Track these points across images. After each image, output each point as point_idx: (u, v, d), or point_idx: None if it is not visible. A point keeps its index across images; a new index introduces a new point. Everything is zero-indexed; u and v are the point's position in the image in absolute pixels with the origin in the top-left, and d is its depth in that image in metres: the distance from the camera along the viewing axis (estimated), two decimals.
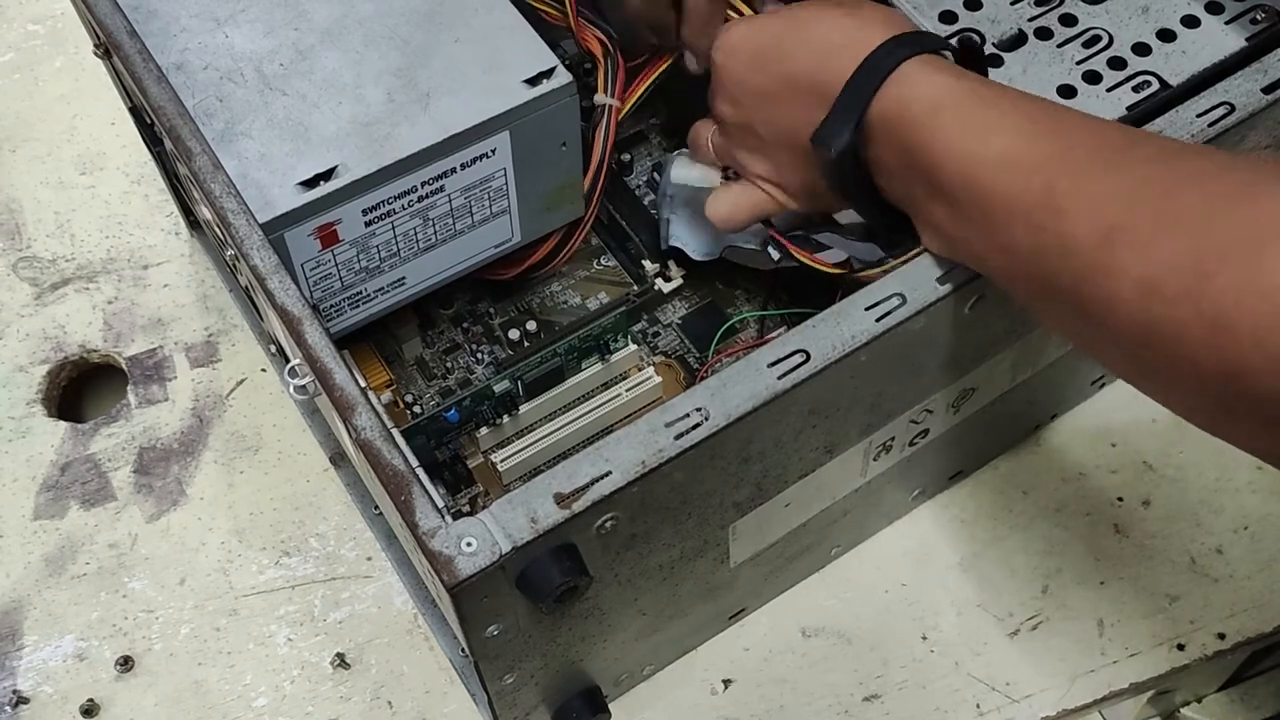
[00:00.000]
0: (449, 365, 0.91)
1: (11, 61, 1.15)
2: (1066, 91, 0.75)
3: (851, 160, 0.69)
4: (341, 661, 0.86)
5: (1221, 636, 0.86)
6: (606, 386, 0.89)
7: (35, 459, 0.94)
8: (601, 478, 0.61)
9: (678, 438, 0.63)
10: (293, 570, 0.89)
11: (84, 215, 1.05)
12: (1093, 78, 0.76)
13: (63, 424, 0.96)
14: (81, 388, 1.01)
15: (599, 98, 0.85)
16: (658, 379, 0.88)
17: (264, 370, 0.97)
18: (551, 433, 0.86)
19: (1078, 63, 0.77)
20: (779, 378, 0.65)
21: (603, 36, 0.85)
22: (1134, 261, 0.55)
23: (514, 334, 0.90)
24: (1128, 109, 0.75)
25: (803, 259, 0.79)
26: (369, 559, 0.90)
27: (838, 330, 0.66)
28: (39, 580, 0.89)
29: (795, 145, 0.73)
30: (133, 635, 0.87)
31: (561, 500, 0.61)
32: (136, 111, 0.88)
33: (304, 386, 0.66)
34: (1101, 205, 0.57)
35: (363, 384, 0.64)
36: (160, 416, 0.96)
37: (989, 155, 0.62)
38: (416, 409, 0.88)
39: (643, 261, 0.94)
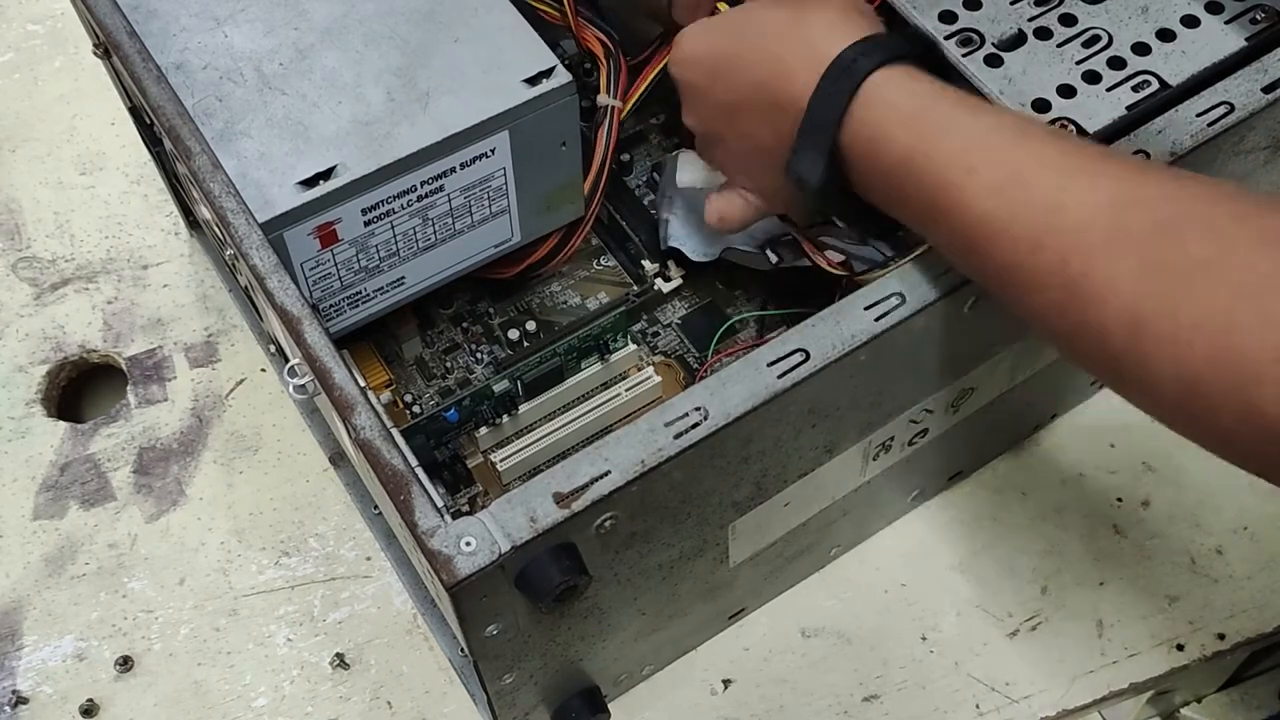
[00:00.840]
0: (448, 365, 0.91)
1: (11, 61, 1.15)
2: (1066, 91, 0.75)
3: (833, 187, 0.68)
4: (341, 662, 0.86)
5: (1221, 637, 0.86)
6: (606, 386, 0.89)
7: (35, 459, 0.94)
8: (601, 477, 0.62)
9: (677, 437, 0.63)
10: (292, 570, 0.89)
11: (83, 215, 1.05)
12: (1092, 77, 0.76)
13: (62, 424, 0.96)
14: (81, 388, 1.01)
15: (601, 98, 0.85)
16: (657, 379, 0.88)
17: (263, 370, 0.97)
18: (551, 432, 0.86)
19: (1077, 62, 0.77)
20: (778, 377, 0.65)
21: (604, 37, 0.85)
22: (1168, 357, 0.53)
23: (514, 334, 0.90)
24: (1127, 108, 0.75)
25: (810, 253, 0.79)
26: (368, 559, 0.89)
27: (837, 330, 0.66)
28: (38, 580, 0.89)
29: (767, 157, 0.72)
30: (132, 635, 0.87)
31: (561, 500, 0.61)
32: (136, 111, 0.88)
33: (303, 386, 0.66)
34: (1121, 291, 0.55)
35: (362, 384, 0.64)
36: (160, 416, 0.96)
37: (977, 218, 0.60)
38: (416, 409, 0.88)
39: (642, 261, 0.94)
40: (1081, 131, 0.74)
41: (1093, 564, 0.89)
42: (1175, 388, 0.54)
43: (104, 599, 0.88)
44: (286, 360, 0.68)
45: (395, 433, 0.63)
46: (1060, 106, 0.75)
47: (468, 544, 0.59)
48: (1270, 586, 0.88)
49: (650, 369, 0.89)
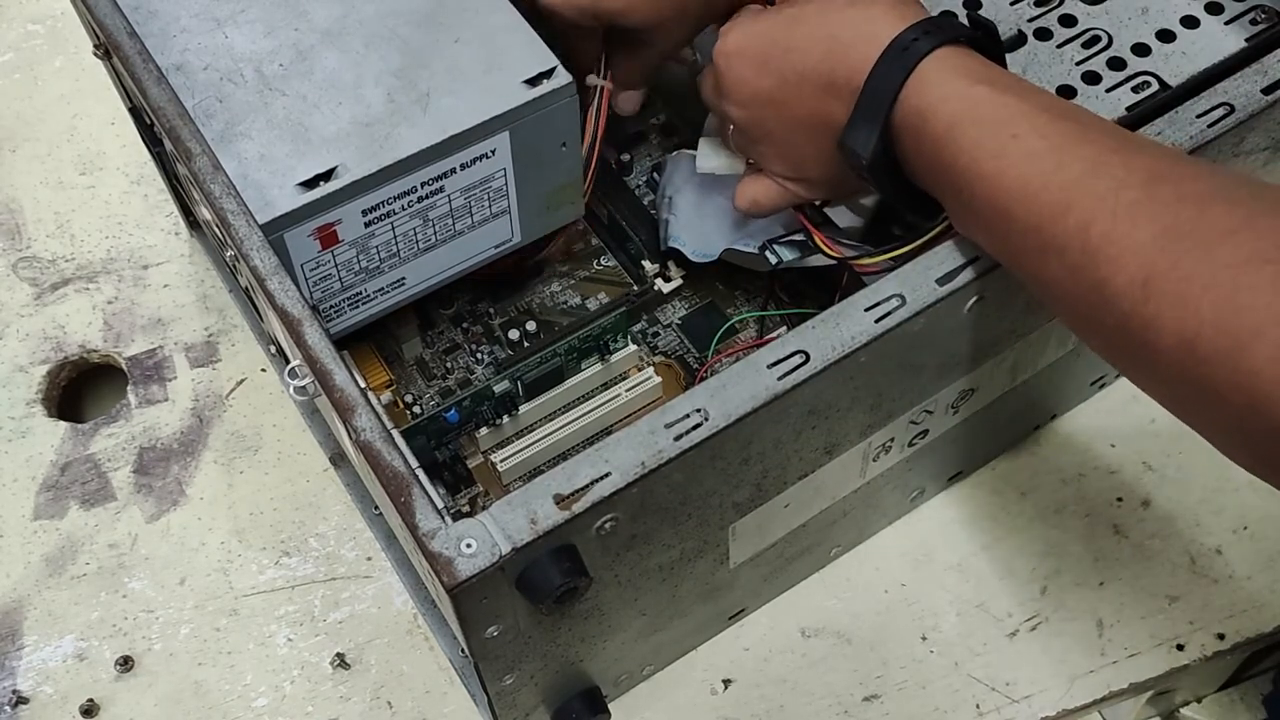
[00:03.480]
0: (449, 365, 0.91)
1: (11, 61, 1.15)
2: (1066, 92, 0.76)
3: (882, 161, 0.69)
4: (341, 662, 0.86)
5: (1221, 637, 0.86)
6: (606, 387, 0.89)
7: (35, 459, 0.94)
8: (601, 479, 0.62)
9: (677, 439, 0.63)
10: (293, 570, 0.89)
11: (84, 215, 1.05)
12: (1092, 78, 0.76)
13: (63, 424, 0.96)
14: (81, 388, 1.01)
15: (591, 79, 0.85)
16: (657, 379, 0.88)
17: (264, 370, 0.97)
18: (551, 433, 0.86)
19: (1077, 63, 0.77)
20: (779, 379, 0.65)
21: None
22: (1172, 317, 0.55)
23: (514, 334, 0.90)
24: (1127, 109, 0.75)
25: (821, 242, 0.79)
26: (369, 559, 0.90)
27: (837, 331, 0.66)
28: (39, 580, 0.89)
29: (814, 141, 0.73)
30: (133, 635, 0.87)
31: (561, 501, 0.61)
32: (136, 112, 0.88)
33: (304, 387, 0.66)
34: (1138, 253, 0.56)
35: (362, 385, 0.64)
36: (160, 416, 0.96)
37: (1013, 182, 0.62)
38: (416, 409, 0.88)
39: (642, 262, 0.94)
40: None
41: (1093, 564, 0.89)
42: (1176, 350, 0.55)
43: (104, 599, 0.88)
44: (287, 361, 0.68)
45: (396, 434, 0.63)
46: None
47: (468, 546, 0.59)
48: (1270, 586, 0.88)
49: (650, 369, 0.89)
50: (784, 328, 0.90)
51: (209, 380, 0.97)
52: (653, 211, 0.96)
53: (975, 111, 0.64)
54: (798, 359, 0.65)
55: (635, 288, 0.93)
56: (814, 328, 0.66)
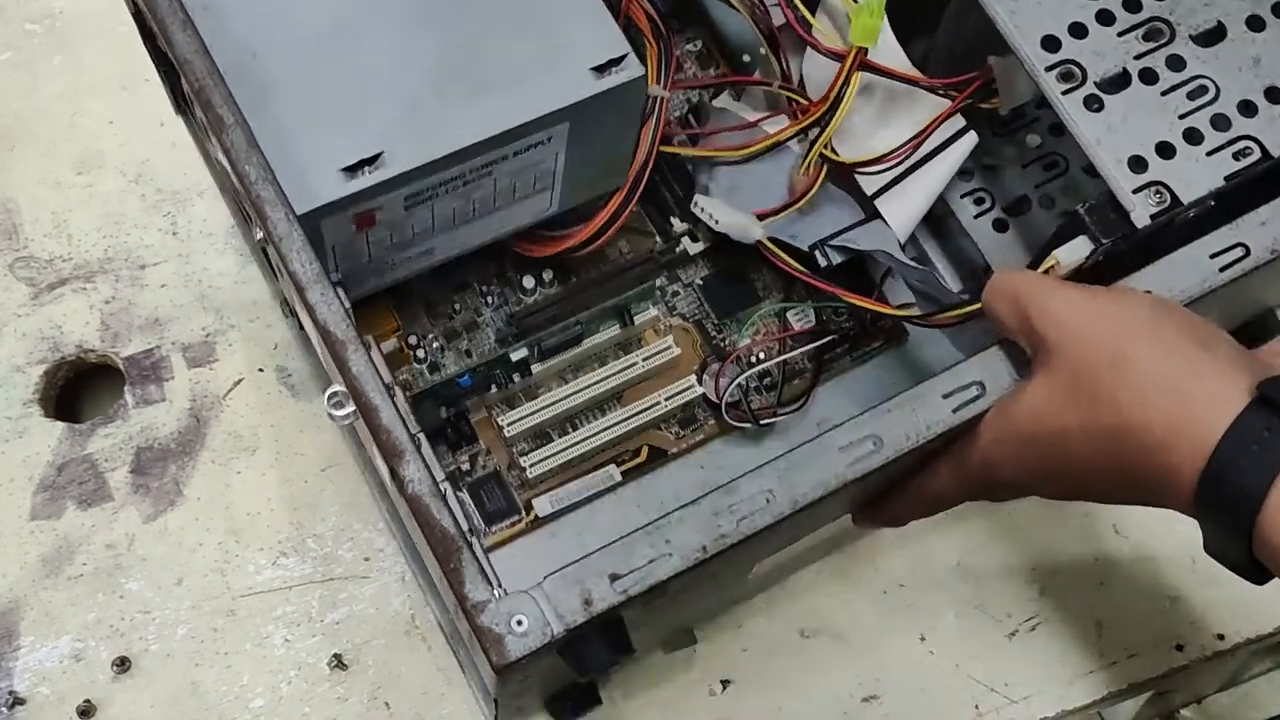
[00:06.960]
0: (456, 305, 0.89)
1: (9, 60, 1.13)
2: (1165, 150, 0.71)
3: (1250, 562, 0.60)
4: (339, 662, 0.86)
5: (1221, 637, 0.87)
6: (623, 349, 0.88)
7: (32, 459, 0.93)
8: (659, 559, 0.61)
9: (740, 521, 0.62)
10: (290, 571, 0.89)
11: (81, 215, 1.04)
12: (1193, 136, 0.71)
13: (59, 424, 0.94)
14: (78, 388, 1.00)
15: (653, 89, 0.78)
16: (676, 350, 0.87)
17: (261, 370, 0.97)
18: (562, 398, 0.85)
19: (1180, 116, 0.72)
20: (849, 465, 0.63)
21: (654, 13, 0.79)
22: None
23: (529, 281, 0.89)
24: (1225, 179, 0.70)
25: (868, 305, 0.81)
26: (366, 560, 0.89)
27: (913, 418, 0.65)
28: (35, 581, 0.88)
29: (1124, 491, 0.63)
30: (129, 636, 0.87)
31: (616, 580, 0.60)
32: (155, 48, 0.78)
33: (345, 416, 0.62)
34: None
35: (409, 424, 0.61)
36: (157, 417, 0.95)
37: None
38: (420, 353, 0.87)
39: (671, 219, 0.91)
40: (1176, 201, 0.70)
41: (1092, 564, 0.90)
42: None
43: (101, 599, 0.88)
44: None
45: (446, 487, 0.61)
46: (1157, 168, 0.71)
47: (519, 623, 0.58)
48: (1270, 586, 0.88)
49: (669, 339, 0.88)
50: (810, 313, 0.90)
51: (206, 380, 0.96)
52: (689, 167, 0.90)
53: None
54: (869, 445, 0.64)
55: (659, 243, 0.91)
56: (889, 412, 0.65)
